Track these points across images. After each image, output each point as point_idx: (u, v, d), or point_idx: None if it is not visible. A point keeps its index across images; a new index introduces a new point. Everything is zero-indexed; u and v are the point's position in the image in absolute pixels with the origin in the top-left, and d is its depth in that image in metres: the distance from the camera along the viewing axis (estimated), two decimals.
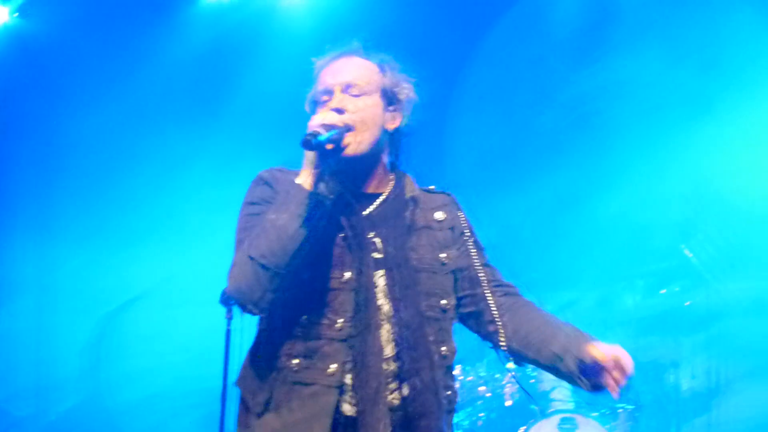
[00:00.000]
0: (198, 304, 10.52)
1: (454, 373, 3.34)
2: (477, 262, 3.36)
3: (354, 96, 3.26)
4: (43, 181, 11.02)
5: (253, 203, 3.34)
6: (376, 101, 3.28)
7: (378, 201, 3.30)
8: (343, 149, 3.16)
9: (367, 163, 3.26)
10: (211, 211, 10.60)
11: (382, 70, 3.39)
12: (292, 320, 3.21)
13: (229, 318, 5.37)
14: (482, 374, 8.10)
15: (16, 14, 10.66)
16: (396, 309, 3.16)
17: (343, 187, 3.22)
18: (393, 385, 3.15)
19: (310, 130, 3.06)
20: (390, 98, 3.33)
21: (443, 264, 3.29)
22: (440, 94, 10.51)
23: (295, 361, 3.17)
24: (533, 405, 8.00)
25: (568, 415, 7.66)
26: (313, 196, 3.07)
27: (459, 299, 3.39)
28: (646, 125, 10.01)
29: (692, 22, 9.98)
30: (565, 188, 10.24)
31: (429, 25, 10.54)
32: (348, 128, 3.17)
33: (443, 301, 3.27)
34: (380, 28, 10.31)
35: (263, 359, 3.26)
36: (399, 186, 3.34)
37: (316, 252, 3.13)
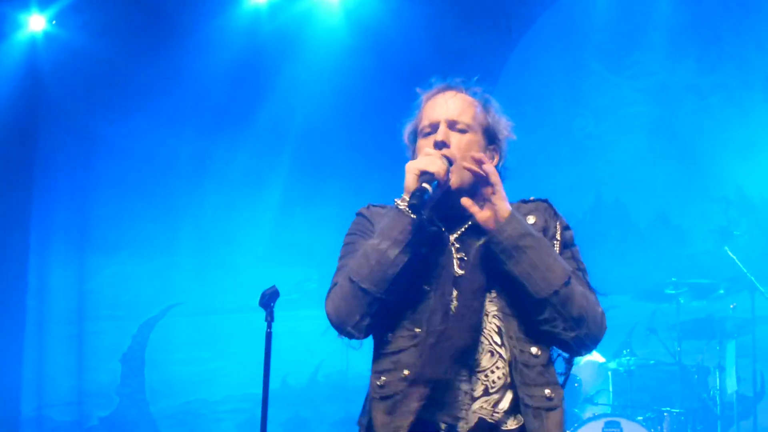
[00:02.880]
0: (236, 310, 10.57)
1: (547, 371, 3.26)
2: None
3: (459, 132, 3.26)
4: (81, 190, 11.08)
5: (351, 234, 3.38)
6: (478, 138, 3.28)
7: (468, 223, 3.28)
8: (447, 183, 3.18)
9: (466, 194, 3.21)
10: (247, 218, 10.64)
11: (486, 108, 3.34)
12: (378, 340, 3.26)
13: (270, 321, 5.32)
14: None
15: (54, 22, 10.72)
16: (462, 312, 3.16)
17: (439, 214, 3.24)
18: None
19: (417, 187, 3.07)
20: (491, 137, 3.32)
21: None
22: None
23: (382, 377, 3.20)
24: (576, 409, 7.96)
25: (612, 419, 7.63)
26: (416, 223, 3.11)
27: None
28: (685, 127, 9.96)
29: (729, 25, 9.94)
30: (606, 192, 10.20)
31: (464, 30, 10.53)
32: (450, 162, 3.18)
33: None
34: (415, 33, 10.35)
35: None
36: None
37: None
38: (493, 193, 3.06)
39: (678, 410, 7.95)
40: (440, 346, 3.12)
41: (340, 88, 10.50)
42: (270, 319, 5.30)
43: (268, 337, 5.30)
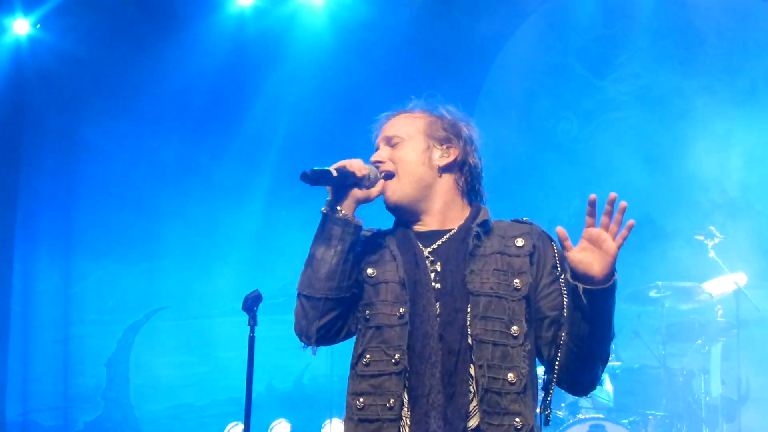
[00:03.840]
0: (221, 314, 10.56)
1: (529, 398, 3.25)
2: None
3: (394, 146, 3.43)
4: (66, 194, 11.06)
5: None
6: (417, 145, 3.41)
7: (446, 236, 3.36)
8: (386, 196, 3.41)
9: (419, 204, 3.39)
10: (232, 222, 10.64)
11: (430, 113, 3.50)
12: (356, 361, 3.31)
13: (253, 325, 5.33)
14: None
15: (38, 25, 10.70)
16: (441, 334, 3.18)
17: (405, 228, 3.41)
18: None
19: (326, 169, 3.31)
20: (438, 137, 3.43)
21: (516, 289, 3.25)
22: (462, 101, 10.53)
23: (361, 399, 3.24)
24: (559, 412, 7.97)
25: (598, 422, 7.63)
26: (327, 217, 3.32)
27: (538, 333, 3.32)
28: (669, 130, 9.99)
29: (712, 28, 9.98)
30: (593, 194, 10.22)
31: (448, 32, 10.55)
32: (388, 175, 3.38)
33: (514, 327, 3.20)
34: (398, 35, 10.36)
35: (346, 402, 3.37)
36: (471, 218, 3.37)
37: (375, 292, 3.31)
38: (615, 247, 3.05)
39: (663, 413, 7.98)
40: (423, 374, 3.15)
41: (325, 91, 10.51)
42: (253, 323, 5.31)
43: (251, 341, 5.31)
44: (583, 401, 8.11)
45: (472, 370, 3.16)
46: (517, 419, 3.14)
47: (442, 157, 3.40)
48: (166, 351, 10.74)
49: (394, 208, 3.40)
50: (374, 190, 3.36)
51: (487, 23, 10.42)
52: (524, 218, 3.45)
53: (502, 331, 3.19)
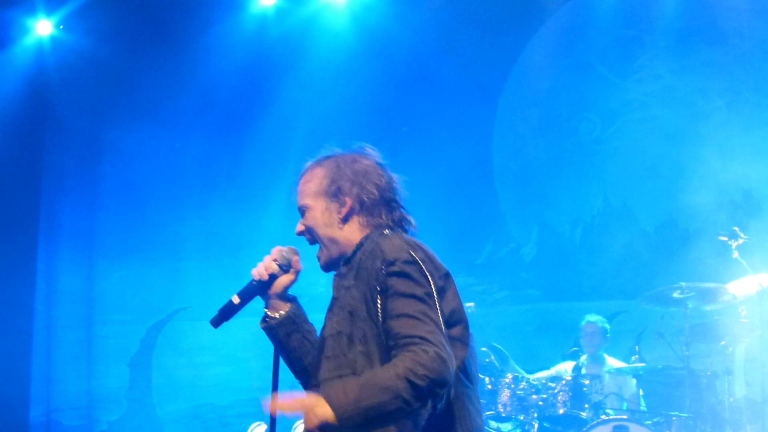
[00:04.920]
0: (243, 314, 10.55)
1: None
2: None
3: (304, 216, 3.65)
4: (89, 194, 11.09)
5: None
6: (318, 209, 3.62)
7: None
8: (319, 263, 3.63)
9: (343, 256, 3.59)
10: (254, 222, 10.64)
11: (320, 167, 3.67)
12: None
13: None
14: (534, 383, 8.07)
15: (61, 26, 10.75)
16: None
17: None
18: None
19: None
20: (332, 192, 3.61)
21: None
22: (484, 103, 10.51)
23: None
24: (583, 413, 7.95)
25: (621, 422, 7.62)
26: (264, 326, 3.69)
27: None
28: (692, 131, 9.95)
29: (735, 28, 9.94)
30: (614, 196, 10.20)
31: (470, 33, 10.54)
32: (311, 241, 3.63)
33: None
34: (421, 37, 10.35)
35: None
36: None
37: None
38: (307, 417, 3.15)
39: (686, 415, 7.93)
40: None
41: (346, 93, 10.51)
42: None
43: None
44: (608, 402, 8.10)
45: None
46: None
47: (341, 209, 3.57)
48: (187, 351, 10.76)
49: (327, 270, 3.63)
50: (292, 273, 3.62)
51: (509, 24, 10.42)
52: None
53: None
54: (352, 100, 10.48)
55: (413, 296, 3.21)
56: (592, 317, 8.74)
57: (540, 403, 8.02)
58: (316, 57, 10.65)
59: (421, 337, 3.13)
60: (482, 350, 8.41)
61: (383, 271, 3.28)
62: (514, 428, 8.11)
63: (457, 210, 10.27)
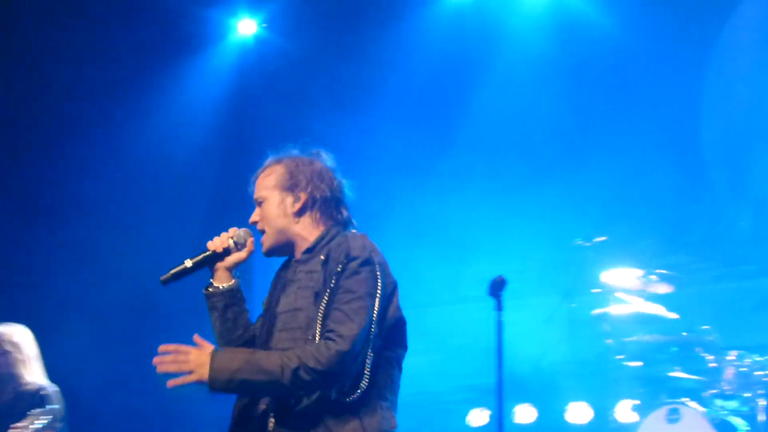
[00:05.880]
0: (457, 300, 10.61)
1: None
2: None
3: (260, 206, 4.14)
4: None
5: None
6: (274, 200, 4.10)
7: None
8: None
9: (286, 247, 4.14)
10: (461, 211, 10.67)
11: (279, 164, 4.17)
12: None
13: (499, 310, 5.51)
14: (758, 359, 7.88)
15: (264, 25, 11.11)
16: None
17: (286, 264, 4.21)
18: None
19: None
20: (288, 187, 4.10)
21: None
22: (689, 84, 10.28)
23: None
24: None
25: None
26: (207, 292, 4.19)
27: None
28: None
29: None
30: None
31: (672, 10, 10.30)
32: (261, 231, 4.13)
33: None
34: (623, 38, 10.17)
35: None
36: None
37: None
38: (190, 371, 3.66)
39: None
40: None
41: (548, 82, 10.46)
42: (499, 308, 5.48)
43: (499, 326, 5.48)
44: None
45: None
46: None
47: (294, 203, 4.09)
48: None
49: (269, 255, 4.16)
50: (244, 252, 4.15)
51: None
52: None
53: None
54: (555, 88, 10.43)
55: (355, 293, 3.74)
56: None
57: (765, 379, 7.84)
58: (516, 47, 10.62)
59: (339, 335, 3.65)
60: (704, 328, 8.26)
61: (344, 263, 3.80)
62: (741, 406, 7.95)
63: (669, 190, 10.10)
